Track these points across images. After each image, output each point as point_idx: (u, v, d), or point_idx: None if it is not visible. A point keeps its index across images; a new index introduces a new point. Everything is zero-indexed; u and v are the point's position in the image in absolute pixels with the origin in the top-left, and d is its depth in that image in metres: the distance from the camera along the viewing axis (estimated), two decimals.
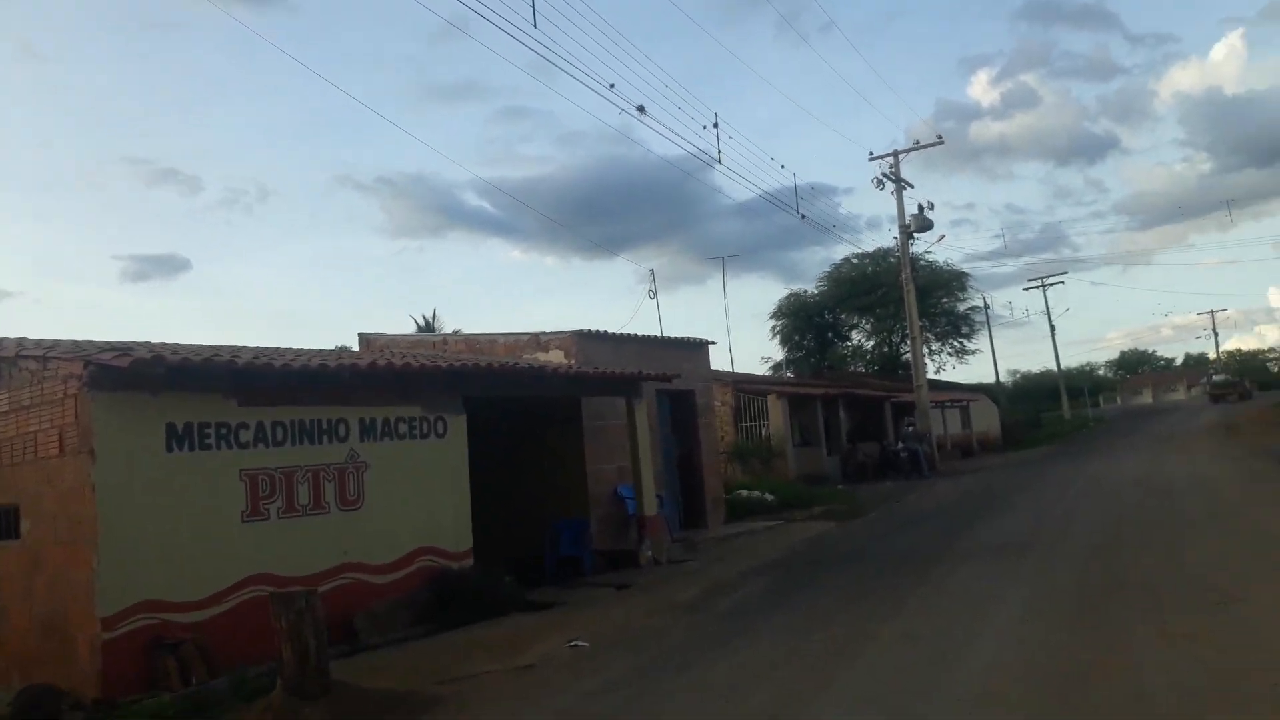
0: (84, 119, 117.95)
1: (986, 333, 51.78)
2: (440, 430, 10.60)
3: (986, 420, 44.37)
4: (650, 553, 13.05)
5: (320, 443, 9.38)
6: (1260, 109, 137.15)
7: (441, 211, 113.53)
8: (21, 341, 9.03)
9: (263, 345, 11.46)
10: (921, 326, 34.95)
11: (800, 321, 49.03)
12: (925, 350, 38.52)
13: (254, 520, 8.70)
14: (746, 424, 26.86)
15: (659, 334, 18.69)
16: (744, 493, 19.98)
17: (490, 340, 15.82)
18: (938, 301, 46.75)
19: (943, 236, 39.71)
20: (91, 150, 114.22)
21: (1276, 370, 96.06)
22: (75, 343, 9.33)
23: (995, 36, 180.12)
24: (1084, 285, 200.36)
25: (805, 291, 50.32)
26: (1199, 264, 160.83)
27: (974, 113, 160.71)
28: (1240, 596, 7.69)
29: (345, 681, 6.85)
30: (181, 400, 8.30)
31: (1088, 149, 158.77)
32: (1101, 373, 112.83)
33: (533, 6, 13.04)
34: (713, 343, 18.13)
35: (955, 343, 49.30)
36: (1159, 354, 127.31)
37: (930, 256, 43.11)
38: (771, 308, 54.20)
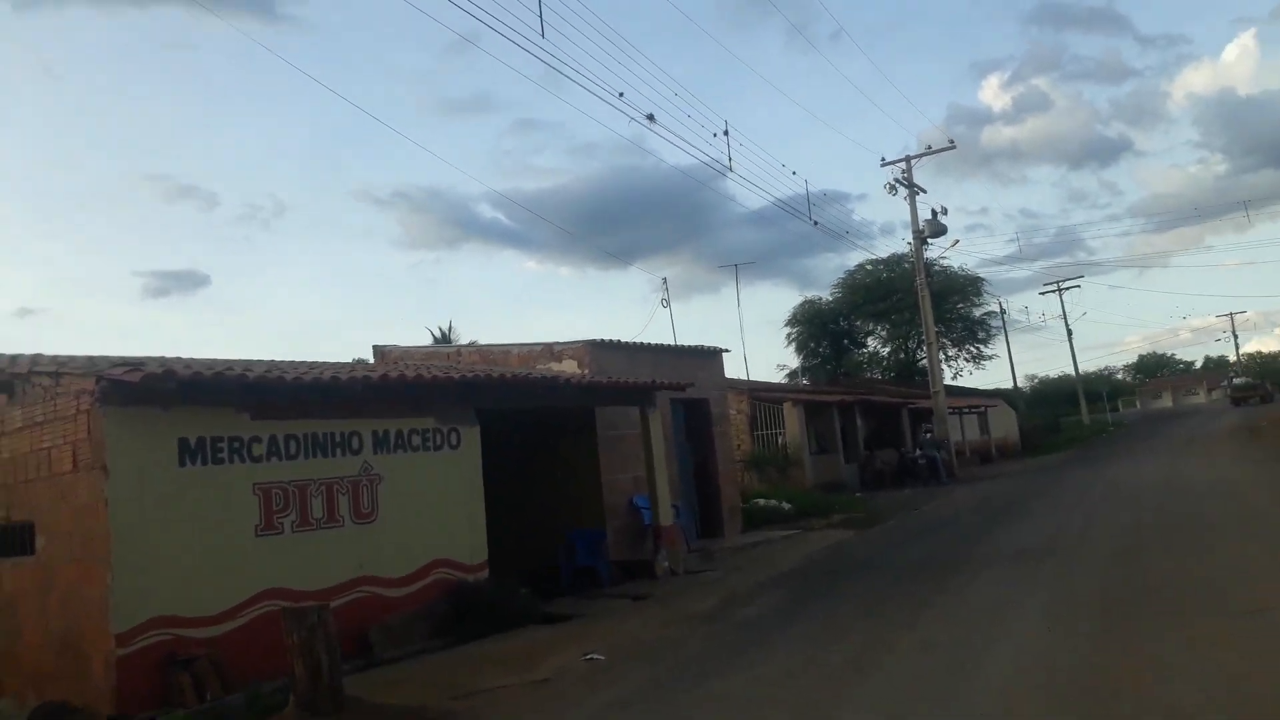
0: (105, 138, 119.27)
1: (1003, 338, 51.58)
2: (454, 442, 10.57)
3: (1005, 426, 44.05)
4: (667, 563, 12.96)
5: (334, 455, 9.36)
6: (1275, 109, 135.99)
7: (457, 224, 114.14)
8: (36, 358, 9.05)
9: (279, 359, 11.46)
10: (937, 332, 34.74)
11: (815, 328, 48.86)
12: (942, 356, 38.31)
13: (268, 534, 8.67)
14: (763, 432, 26.73)
15: (672, 343, 18.64)
16: (761, 501, 19.88)
17: (504, 351, 15.81)
18: (953, 307, 46.47)
19: (957, 241, 39.41)
20: (112, 169, 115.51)
21: None
22: (90, 358, 9.35)
23: (1006, 41, 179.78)
24: (1101, 289, 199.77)
25: (820, 298, 50.29)
26: (1217, 266, 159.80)
27: (986, 117, 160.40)
28: (1269, 603, 7.53)
29: (359, 697, 6.80)
30: (194, 415, 8.30)
31: (1101, 152, 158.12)
32: (1120, 377, 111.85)
33: (540, 15, 13.02)
34: (727, 351, 18.10)
35: (972, 348, 49.02)
36: (1178, 357, 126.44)
37: (945, 262, 42.85)
38: (786, 315, 54.03)
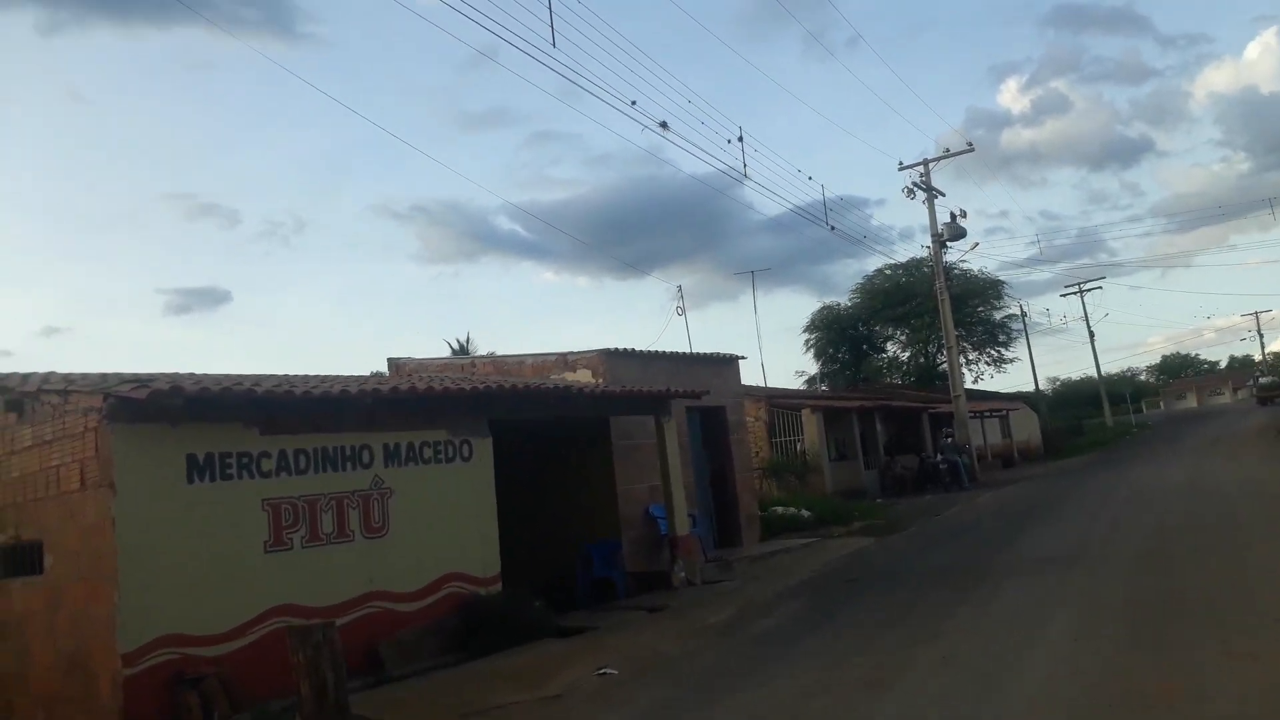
0: (128, 159, 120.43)
1: (1024, 340, 51.02)
2: (466, 454, 10.45)
3: (1027, 429, 43.60)
4: (683, 573, 12.78)
5: (344, 470, 9.25)
6: None
7: (475, 237, 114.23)
8: (46, 377, 8.99)
9: (294, 374, 11.38)
10: (958, 336, 34.43)
11: (834, 334, 48.59)
12: (962, 360, 37.98)
13: (277, 550, 8.57)
14: (781, 439, 26.49)
15: (688, 351, 18.48)
16: (779, 509, 19.64)
17: (518, 361, 15.71)
18: (973, 310, 46.09)
19: (976, 244, 39.00)
20: (135, 188, 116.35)
21: None
22: (101, 376, 9.29)
23: (1024, 43, 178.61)
24: (1123, 290, 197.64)
25: (838, 304, 50.02)
26: (1241, 265, 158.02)
27: (1005, 120, 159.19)
28: None
29: (366, 716, 6.68)
30: (202, 430, 8.21)
31: (1122, 153, 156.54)
32: (1143, 378, 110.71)
33: (550, 25, 12.96)
34: (743, 358, 17.89)
35: (993, 351, 48.61)
36: (1202, 357, 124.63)
37: (964, 265, 42.45)
38: (804, 321, 53.82)
